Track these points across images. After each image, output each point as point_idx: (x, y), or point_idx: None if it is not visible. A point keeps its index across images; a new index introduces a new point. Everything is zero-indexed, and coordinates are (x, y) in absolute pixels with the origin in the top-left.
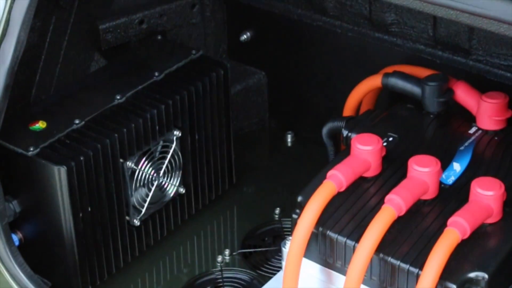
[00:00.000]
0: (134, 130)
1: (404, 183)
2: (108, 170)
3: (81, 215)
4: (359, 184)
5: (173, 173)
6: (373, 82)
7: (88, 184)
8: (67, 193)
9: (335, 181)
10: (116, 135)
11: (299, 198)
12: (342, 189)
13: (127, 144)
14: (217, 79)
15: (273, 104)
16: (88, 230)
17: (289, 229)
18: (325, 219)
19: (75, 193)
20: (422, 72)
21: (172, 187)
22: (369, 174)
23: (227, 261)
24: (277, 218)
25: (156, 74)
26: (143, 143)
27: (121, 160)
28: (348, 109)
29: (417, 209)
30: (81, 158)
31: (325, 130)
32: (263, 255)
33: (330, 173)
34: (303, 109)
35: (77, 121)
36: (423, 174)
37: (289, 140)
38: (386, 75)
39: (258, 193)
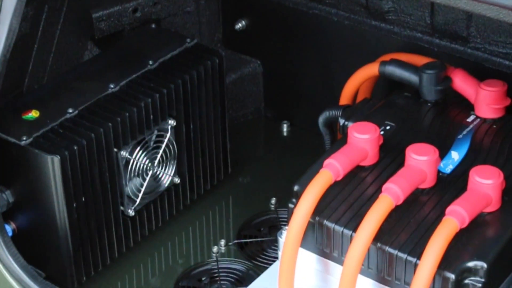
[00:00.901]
0: (128, 119)
1: (401, 171)
2: (102, 159)
3: (75, 205)
4: (356, 173)
5: (168, 163)
6: (370, 70)
7: (81, 173)
8: (60, 183)
9: (331, 170)
10: (110, 124)
11: (295, 188)
12: (339, 178)
13: (121, 133)
14: (211, 68)
15: (269, 93)
16: (82, 220)
17: (285, 219)
18: (321, 209)
19: (68, 183)
20: (419, 60)
21: (167, 177)
22: (367, 163)
23: (223, 251)
24: (273, 208)
25: (150, 62)
26: (137, 132)
27: (115, 150)
28: (345, 98)
29: (415, 198)
30: (75, 148)
31: (321, 119)
32: (259, 245)
33: (327, 162)
34: (299, 98)
35: (70, 110)
36: (421, 162)
37: (285, 129)
38: (383, 63)
39: (253, 183)
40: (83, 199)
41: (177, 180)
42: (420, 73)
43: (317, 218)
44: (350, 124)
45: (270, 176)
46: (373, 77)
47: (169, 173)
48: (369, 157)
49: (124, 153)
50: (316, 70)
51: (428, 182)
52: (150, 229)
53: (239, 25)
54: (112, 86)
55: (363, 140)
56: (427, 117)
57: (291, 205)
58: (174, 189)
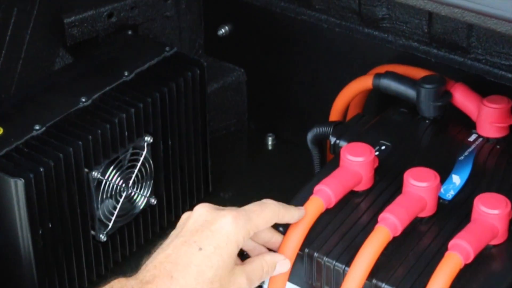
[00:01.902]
0: (101, 137)
1: (399, 199)
2: (71, 181)
3: (40, 231)
4: (349, 199)
5: (144, 183)
6: (363, 83)
7: (48, 197)
8: (24, 208)
9: (322, 197)
10: (80, 142)
11: None
12: (331, 206)
13: (92, 152)
14: (192, 79)
15: (253, 104)
16: (49, 247)
17: None
18: (311, 239)
19: (33, 207)
20: (416, 72)
21: (142, 198)
22: (361, 187)
23: None
24: None
25: (126, 73)
26: (110, 151)
27: (86, 170)
28: (336, 113)
29: (414, 228)
30: (41, 169)
31: (310, 136)
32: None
33: (318, 187)
34: (285, 110)
35: (37, 127)
36: (421, 189)
37: (269, 142)
38: (378, 75)
39: (236, 200)
40: (50, 225)
41: (153, 201)
42: (417, 88)
43: (306, 250)
44: (341, 143)
45: (254, 192)
46: (366, 91)
47: (145, 193)
48: (364, 181)
49: (95, 174)
50: (305, 80)
51: (428, 210)
52: (123, 255)
53: (222, 31)
54: (83, 99)
55: (357, 163)
56: (426, 136)
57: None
58: (150, 210)
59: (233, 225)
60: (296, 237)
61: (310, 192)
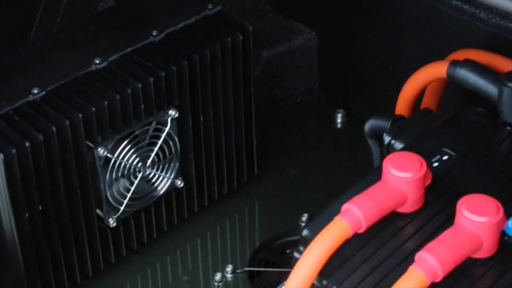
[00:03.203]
0: (108, 109)
1: (447, 234)
2: (68, 158)
3: (27, 214)
4: (387, 223)
5: (168, 163)
6: (436, 71)
7: (37, 176)
8: (5, 187)
9: (350, 219)
10: (80, 114)
11: (304, 232)
12: (361, 230)
13: (96, 126)
14: (233, 46)
15: (323, 73)
16: (40, 233)
17: None
18: (331, 270)
19: (17, 187)
20: (504, 64)
21: (165, 179)
22: (405, 209)
23: (228, 279)
24: (303, 227)
25: (154, 33)
26: (120, 125)
27: (90, 145)
28: (403, 102)
29: (464, 271)
30: (26, 144)
31: (366, 128)
32: (276, 276)
33: (346, 206)
34: (358, 85)
35: (35, 91)
36: (476, 225)
37: (338, 120)
38: (454, 63)
39: (284, 189)
40: (40, 208)
41: (179, 183)
42: (500, 85)
43: (324, 282)
44: (397, 144)
45: (308, 182)
46: (442, 80)
47: (168, 175)
48: (409, 202)
49: (102, 151)
50: (381, 54)
51: (486, 251)
52: (140, 241)
53: None
54: (97, 61)
55: (401, 180)
56: (503, 147)
57: (296, 255)
58: (175, 194)
59: None
60: (311, 265)
61: (339, 209)
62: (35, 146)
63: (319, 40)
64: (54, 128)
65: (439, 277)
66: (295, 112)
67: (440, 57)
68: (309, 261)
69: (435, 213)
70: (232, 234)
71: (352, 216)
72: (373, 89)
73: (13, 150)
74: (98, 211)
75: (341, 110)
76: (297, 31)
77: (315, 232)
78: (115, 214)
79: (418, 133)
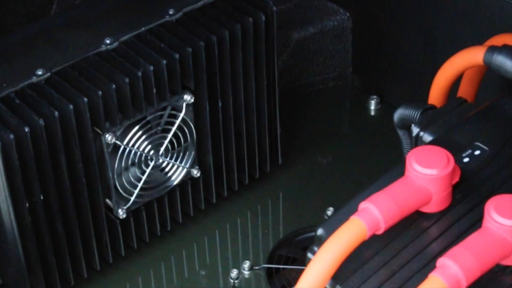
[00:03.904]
0: (116, 93)
1: (473, 239)
2: (72, 145)
3: (27, 204)
4: (409, 223)
5: (183, 151)
6: (472, 57)
7: (38, 163)
8: (2, 175)
9: (367, 219)
10: (85, 98)
11: (319, 231)
12: (380, 232)
13: (103, 111)
14: (254, 27)
15: (357, 57)
16: (42, 223)
17: None
18: (346, 274)
19: (15, 175)
20: None
21: (180, 168)
22: (429, 209)
23: (246, 276)
24: (318, 225)
25: (171, 11)
26: (131, 110)
27: (97, 131)
28: (436, 90)
29: (491, 278)
30: (26, 129)
31: (396, 118)
32: (297, 274)
33: (364, 205)
34: (394, 70)
35: (40, 72)
36: (506, 229)
37: (372, 107)
38: (492, 49)
39: (310, 180)
40: (42, 197)
41: (196, 172)
42: None
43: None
44: (425, 136)
45: (337, 172)
46: (479, 67)
47: (183, 164)
48: (434, 202)
49: (109, 137)
50: (419, 38)
51: None
52: (153, 233)
53: None
54: (108, 41)
55: (426, 177)
56: None
57: (309, 255)
58: (191, 183)
59: None
60: (323, 268)
61: (355, 207)
62: (35, 132)
63: (353, 22)
64: (56, 113)
65: (463, 286)
66: (326, 98)
67: (482, 41)
68: (321, 263)
69: (463, 214)
70: (252, 228)
71: (370, 216)
72: (409, 74)
73: (11, 136)
74: (107, 201)
75: (375, 97)
76: (330, 12)
77: (330, 231)
78: (125, 205)
79: (449, 125)
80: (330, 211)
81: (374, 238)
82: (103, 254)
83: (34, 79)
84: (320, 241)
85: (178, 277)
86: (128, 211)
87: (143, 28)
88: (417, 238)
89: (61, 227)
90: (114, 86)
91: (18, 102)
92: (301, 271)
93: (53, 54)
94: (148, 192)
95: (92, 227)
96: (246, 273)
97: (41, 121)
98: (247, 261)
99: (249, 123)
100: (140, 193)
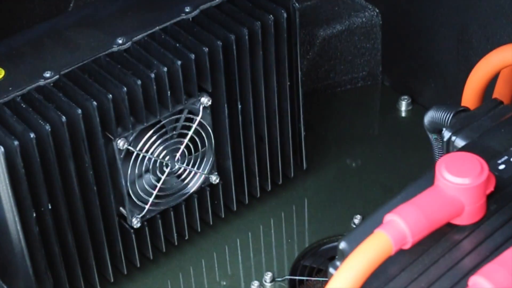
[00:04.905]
0: (127, 96)
1: (508, 255)
2: (81, 151)
3: (34, 214)
4: (439, 236)
5: (201, 157)
6: (508, 55)
7: (45, 171)
8: (7, 183)
9: (392, 233)
10: (94, 102)
11: (341, 245)
12: (407, 246)
13: (113, 115)
14: (275, 25)
15: (387, 56)
16: (51, 234)
17: None
18: None
19: (21, 183)
20: None
21: (198, 175)
22: (461, 221)
23: None
24: (340, 238)
25: (187, 9)
26: (144, 114)
27: (109, 136)
28: (470, 91)
29: None
30: (31, 136)
31: (426, 121)
32: (321, 286)
33: (389, 217)
34: (426, 70)
35: (48, 74)
36: None
37: (403, 107)
38: None
39: (337, 186)
40: (50, 207)
41: (215, 179)
42: None
43: None
44: (457, 141)
45: (365, 177)
46: None
47: (200, 170)
48: (467, 213)
49: (121, 143)
50: (453, 34)
51: None
52: (170, 242)
53: None
54: (120, 41)
55: (457, 187)
56: None
57: (331, 270)
58: (210, 190)
59: None
60: (344, 285)
61: (381, 220)
62: (41, 138)
63: (382, 18)
64: (64, 118)
65: None
66: (354, 99)
67: None
68: (343, 281)
69: (498, 226)
70: (275, 236)
71: (395, 230)
72: (442, 74)
73: (16, 142)
74: (121, 209)
75: (406, 97)
76: (358, 8)
77: (353, 245)
78: (139, 214)
79: (483, 129)
80: (357, 219)
81: (400, 253)
82: (117, 264)
83: (42, 82)
84: (342, 255)
85: (199, 285)
86: (142, 219)
87: (157, 27)
88: (447, 253)
89: (71, 237)
90: (125, 89)
91: (24, 106)
92: (326, 283)
93: (63, 56)
94: (164, 200)
95: (105, 237)
96: (268, 285)
97: (48, 127)
98: (269, 272)
99: (271, 126)
100: (155, 201)
